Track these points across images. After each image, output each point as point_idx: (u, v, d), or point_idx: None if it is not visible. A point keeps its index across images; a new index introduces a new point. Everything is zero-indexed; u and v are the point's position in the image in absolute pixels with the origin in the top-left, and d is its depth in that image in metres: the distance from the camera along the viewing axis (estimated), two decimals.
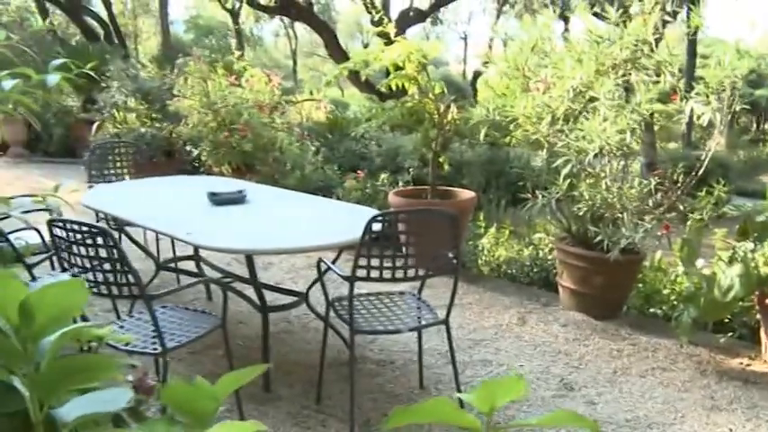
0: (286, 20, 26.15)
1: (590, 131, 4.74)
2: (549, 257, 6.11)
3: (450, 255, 3.62)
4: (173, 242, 5.89)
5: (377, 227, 3.38)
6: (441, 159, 6.39)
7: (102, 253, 2.98)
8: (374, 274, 3.47)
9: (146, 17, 27.18)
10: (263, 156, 7.93)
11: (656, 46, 4.99)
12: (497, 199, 8.87)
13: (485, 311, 5.43)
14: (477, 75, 21.98)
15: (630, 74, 4.90)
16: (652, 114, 4.97)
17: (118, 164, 6.11)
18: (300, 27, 29.23)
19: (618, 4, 5.19)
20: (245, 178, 6.53)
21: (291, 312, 4.99)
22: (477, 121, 5.51)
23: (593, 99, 4.95)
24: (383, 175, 8.35)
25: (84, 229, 2.91)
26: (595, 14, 7.11)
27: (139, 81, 10.75)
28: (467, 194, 6.58)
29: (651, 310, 5.38)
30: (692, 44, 13.03)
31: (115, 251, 2.91)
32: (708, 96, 4.55)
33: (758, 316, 4.73)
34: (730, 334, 4.91)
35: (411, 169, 9.17)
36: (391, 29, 6.19)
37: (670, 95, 4.97)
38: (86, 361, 1.22)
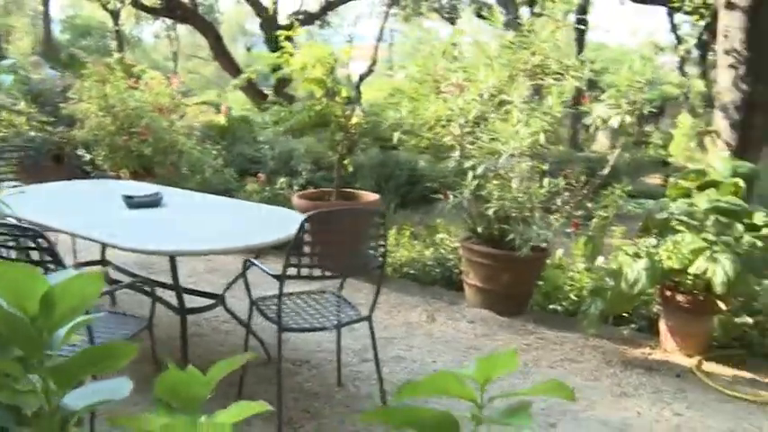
0: (168, 21, 25.58)
1: (503, 133, 4.95)
2: (451, 257, 6.30)
3: (376, 252, 3.73)
4: (74, 247, 5.74)
5: (308, 226, 3.44)
6: (345, 162, 6.48)
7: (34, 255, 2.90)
8: (303, 272, 3.52)
9: (18, 15, 26.07)
10: (162, 159, 7.80)
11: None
12: (388, 202, 9.05)
13: (393, 311, 5.54)
14: (362, 77, 22.16)
15: (541, 78, 5.16)
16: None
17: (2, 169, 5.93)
18: (182, 29, 28.69)
19: (513, 10, 5.44)
20: (144, 182, 6.42)
21: (201, 315, 4.96)
22: (390, 124, 5.64)
23: (503, 102, 5.17)
24: (281, 179, 8.39)
25: (17, 231, 2.84)
26: (480, 17, 7.38)
27: (31, 83, 10.29)
28: (371, 196, 6.70)
29: (551, 306, 5.62)
30: (580, 48, 13.74)
31: (48, 254, 2.85)
32: (617, 100, 4.85)
33: (658, 308, 5.07)
34: (632, 325, 5.23)
35: (304, 173, 9.24)
36: (301, 32, 6.23)
37: (577, 98, 5.25)
38: (106, 349, 1.24)
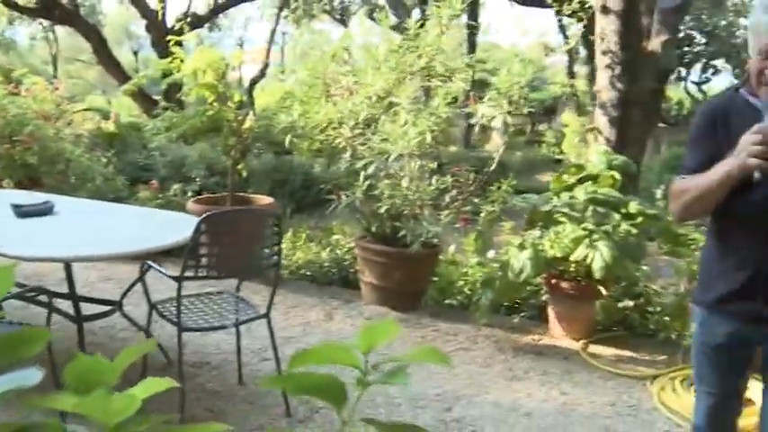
0: (45, 22, 24.50)
1: (392, 134, 5.12)
2: (347, 257, 6.42)
3: (272, 252, 3.82)
4: None
5: (204, 227, 3.49)
6: (239, 167, 6.50)
7: None
8: (200, 273, 3.57)
9: None
10: (49, 168, 7.59)
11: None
12: (283, 207, 9.08)
13: (290, 311, 5.60)
14: (253, 82, 21.94)
15: (428, 80, 5.35)
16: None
17: None
18: (61, 30, 27.61)
19: (403, 13, 5.63)
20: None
21: (96, 324, 4.90)
22: (282, 128, 5.72)
23: (392, 104, 5.34)
24: (175, 186, 8.32)
25: None
26: (372, 19, 7.54)
27: None
28: (266, 200, 6.75)
29: (447, 301, 5.81)
30: (472, 48, 14.07)
31: None
32: (499, 101, 5.09)
33: (546, 296, 5.34)
34: (522, 314, 5.49)
35: (198, 179, 9.19)
36: (194, 36, 6.23)
37: (465, 100, 5.47)
38: (19, 336, 1.28)
